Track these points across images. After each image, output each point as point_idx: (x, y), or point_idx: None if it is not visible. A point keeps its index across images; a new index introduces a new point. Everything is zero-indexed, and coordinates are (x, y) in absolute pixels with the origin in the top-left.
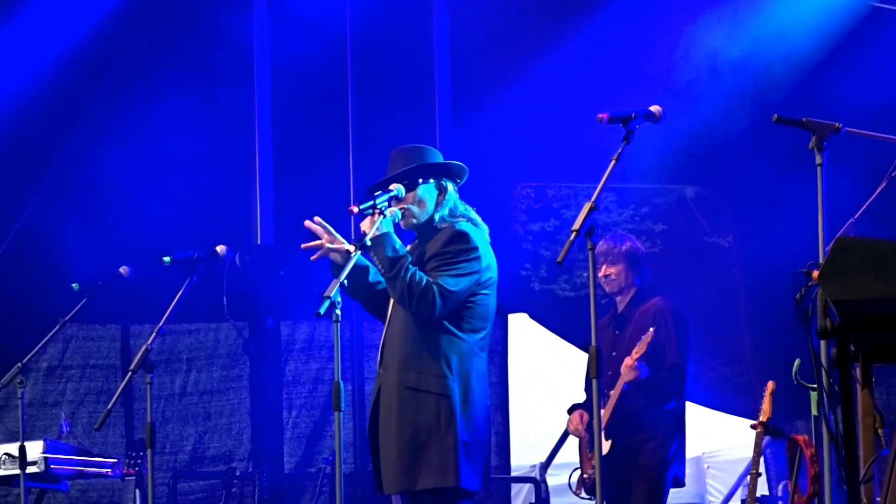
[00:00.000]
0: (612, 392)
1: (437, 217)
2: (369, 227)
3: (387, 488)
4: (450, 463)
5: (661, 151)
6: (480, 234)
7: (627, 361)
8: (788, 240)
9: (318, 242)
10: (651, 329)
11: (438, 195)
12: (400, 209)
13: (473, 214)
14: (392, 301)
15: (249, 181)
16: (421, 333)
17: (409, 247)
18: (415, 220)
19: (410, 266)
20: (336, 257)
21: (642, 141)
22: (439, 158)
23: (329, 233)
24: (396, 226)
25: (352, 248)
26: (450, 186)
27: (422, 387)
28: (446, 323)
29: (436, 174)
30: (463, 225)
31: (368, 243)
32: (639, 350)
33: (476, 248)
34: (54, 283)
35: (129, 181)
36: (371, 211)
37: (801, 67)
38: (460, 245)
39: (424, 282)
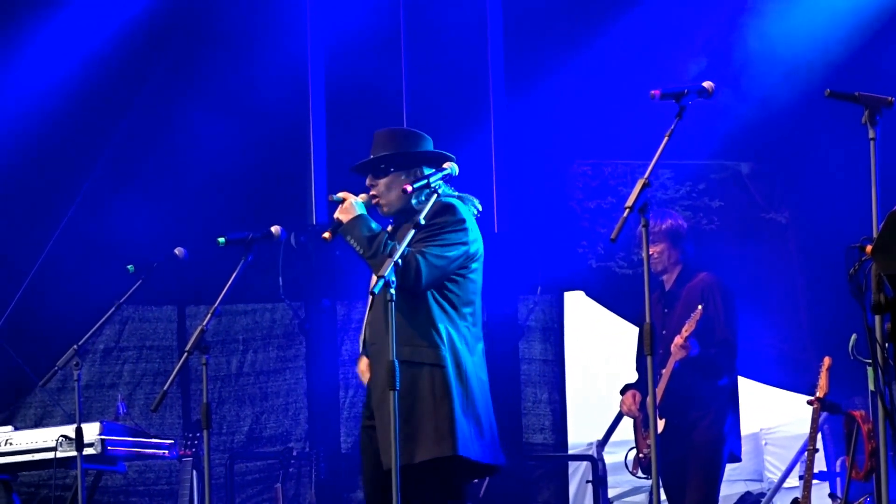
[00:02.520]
0: (663, 371)
1: (413, 202)
2: (342, 213)
3: (385, 463)
4: (446, 431)
5: (716, 127)
6: (469, 209)
7: (677, 340)
8: (844, 215)
9: None
10: (700, 307)
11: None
12: (370, 197)
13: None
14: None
15: (304, 161)
16: (410, 308)
17: (389, 227)
18: (386, 209)
19: (388, 241)
20: None
21: (699, 117)
22: (427, 143)
23: None
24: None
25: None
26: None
27: (415, 359)
28: (437, 296)
29: (410, 163)
30: (450, 199)
31: (422, 221)
32: (688, 328)
33: (463, 220)
34: (110, 265)
35: (184, 162)
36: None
37: (855, 41)
38: (447, 217)
39: (406, 252)
